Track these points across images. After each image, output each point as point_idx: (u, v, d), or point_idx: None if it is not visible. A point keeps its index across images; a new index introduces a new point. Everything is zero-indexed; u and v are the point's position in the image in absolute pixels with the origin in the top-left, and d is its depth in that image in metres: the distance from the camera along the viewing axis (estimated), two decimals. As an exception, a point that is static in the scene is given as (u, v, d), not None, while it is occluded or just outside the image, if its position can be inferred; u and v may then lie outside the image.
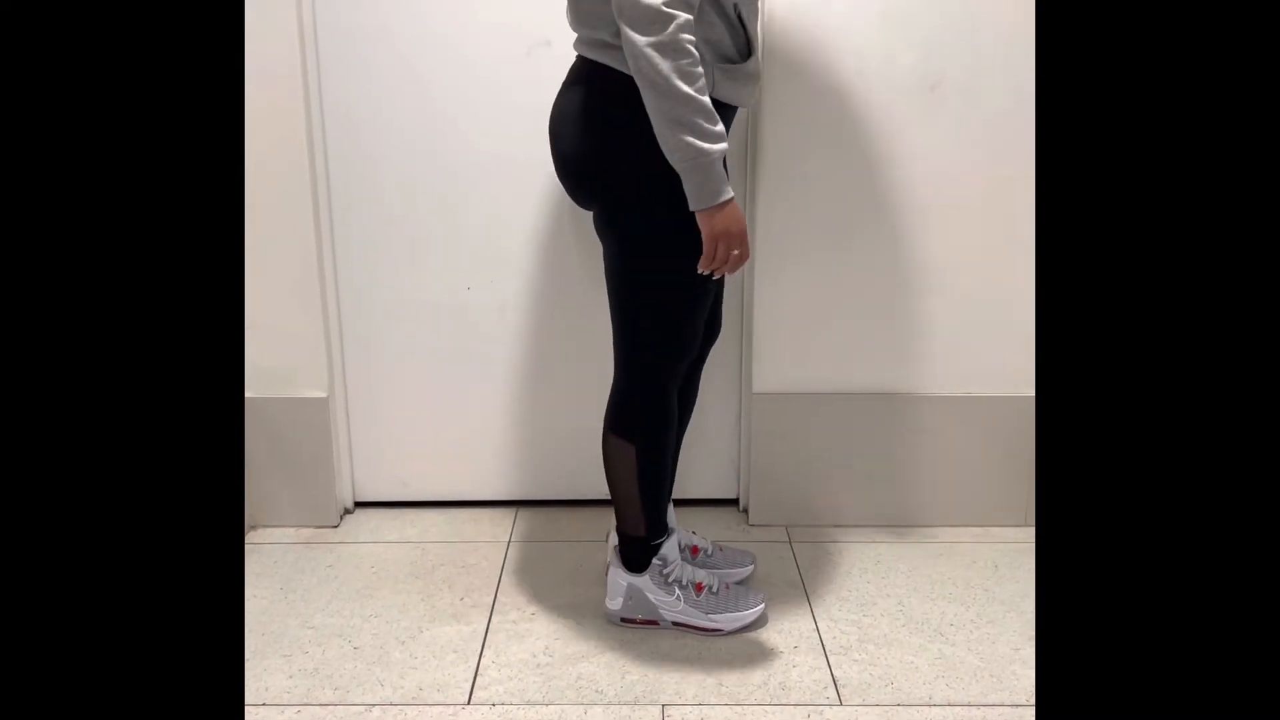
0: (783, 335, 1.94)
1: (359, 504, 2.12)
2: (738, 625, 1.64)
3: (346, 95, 1.90)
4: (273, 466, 2.00)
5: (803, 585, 1.80)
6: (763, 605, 1.66)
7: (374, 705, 1.47)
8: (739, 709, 1.45)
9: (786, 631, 1.65)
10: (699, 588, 1.65)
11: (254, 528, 2.03)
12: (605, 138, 1.43)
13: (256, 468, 2.00)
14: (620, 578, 1.66)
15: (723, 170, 1.36)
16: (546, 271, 1.99)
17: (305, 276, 1.92)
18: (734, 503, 2.11)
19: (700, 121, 1.32)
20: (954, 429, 1.98)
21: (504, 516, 2.07)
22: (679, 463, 2.06)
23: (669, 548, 1.65)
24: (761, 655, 1.58)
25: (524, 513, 2.09)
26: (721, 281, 1.67)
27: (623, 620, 1.67)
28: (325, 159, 1.93)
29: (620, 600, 1.66)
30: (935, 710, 1.45)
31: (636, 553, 1.64)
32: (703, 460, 2.09)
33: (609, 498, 1.84)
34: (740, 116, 1.88)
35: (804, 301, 1.93)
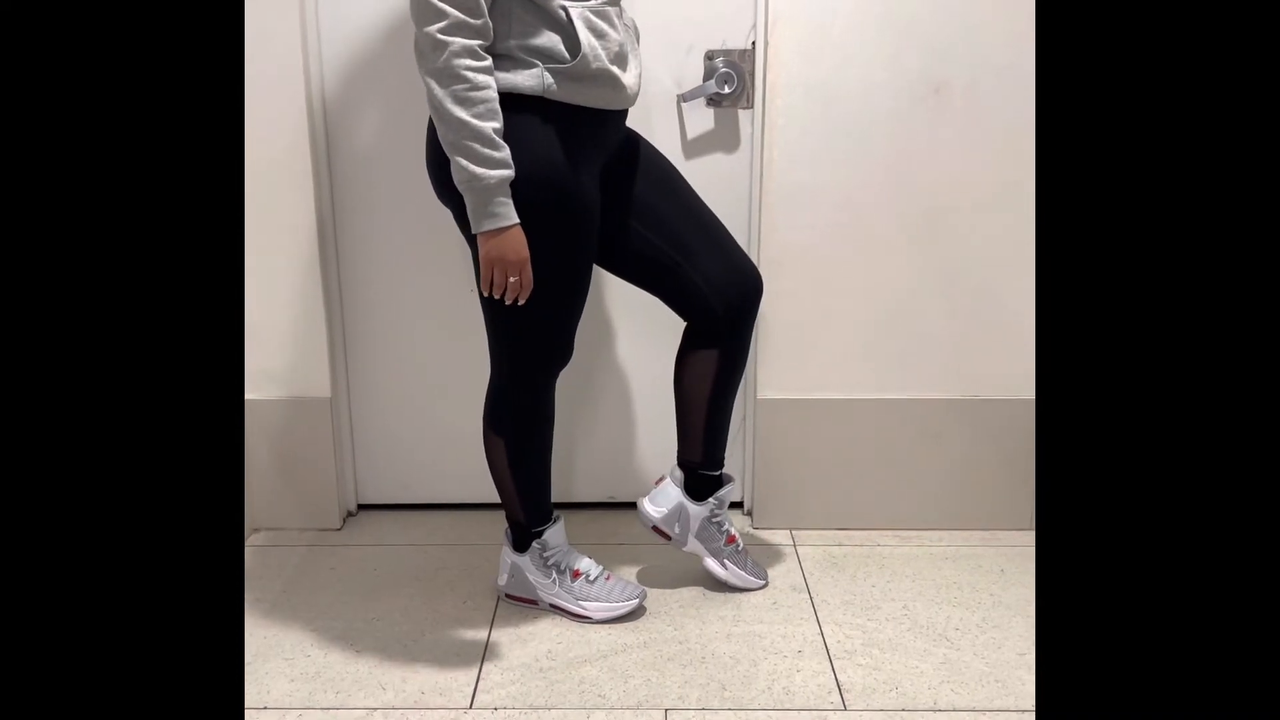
0: (788, 342, 1.93)
1: (362, 506, 2.12)
2: (608, 615, 1.66)
3: (350, 97, 1.89)
4: (275, 468, 2.00)
5: (807, 589, 1.79)
6: (638, 600, 1.68)
7: (375, 709, 1.46)
8: (742, 714, 1.44)
9: (790, 635, 1.64)
10: (575, 574, 1.68)
11: (256, 530, 2.02)
12: (439, 143, 1.42)
13: (259, 470, 2.00)
14: (506, 555, 1.71)
15: (503, 197, 1.36)
16: (550, 273, 1.98)
17: (308, 278, 1.92)
18: (739, 505, 2.10)
19: (474, 146, 1.33)
20: (960, 432, 1.97)
21: (507, 519, 2.07)
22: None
23: (552, 534, 1.67)
24: (765, 659, 1.57)
25: (527, 515, 2.08)
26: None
27: (507, 596, 1.73)
28: (328, 161, 1.92)
29: (505, 576, 1.72)
30: (940, 715, 1.44)
31: (518, 535, 1.69)
32: (707, 463, 2.08)
33: (612, 501, 1.84)
34: (744, 121, 1.88)
35: (809, 307, 1.92)
